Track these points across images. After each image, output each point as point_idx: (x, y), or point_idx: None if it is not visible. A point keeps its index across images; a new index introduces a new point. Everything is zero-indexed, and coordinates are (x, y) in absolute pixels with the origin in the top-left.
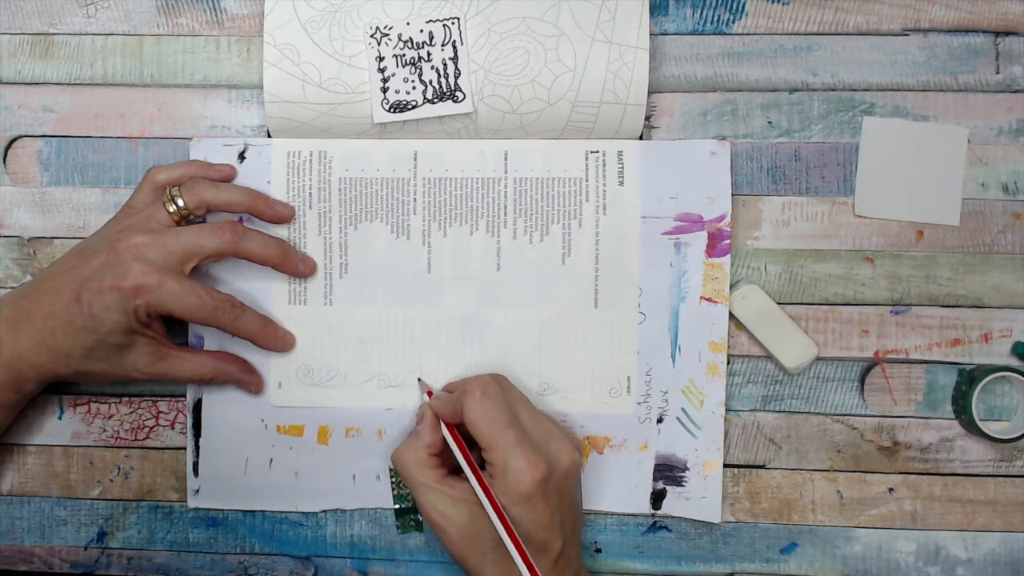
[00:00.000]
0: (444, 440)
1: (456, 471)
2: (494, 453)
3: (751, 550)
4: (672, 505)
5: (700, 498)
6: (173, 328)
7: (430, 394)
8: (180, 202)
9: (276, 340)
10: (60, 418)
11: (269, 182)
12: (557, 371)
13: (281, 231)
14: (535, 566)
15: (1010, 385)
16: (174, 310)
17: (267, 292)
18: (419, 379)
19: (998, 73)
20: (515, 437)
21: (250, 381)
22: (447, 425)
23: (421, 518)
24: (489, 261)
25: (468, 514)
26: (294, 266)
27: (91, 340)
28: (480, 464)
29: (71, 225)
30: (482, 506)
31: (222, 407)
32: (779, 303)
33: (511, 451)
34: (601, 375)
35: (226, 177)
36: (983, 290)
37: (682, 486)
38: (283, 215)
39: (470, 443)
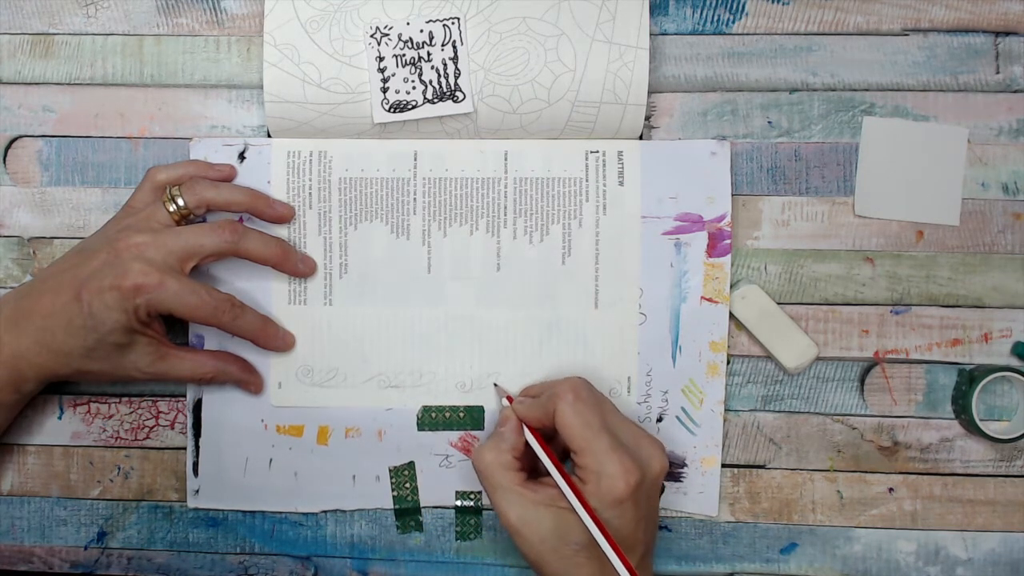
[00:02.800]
0: (525, 444)
1: (533, 475)
2: (587, 457)
3: (751, 550)
4: (670, 500)
5: (698, 493)
6: (173, 328)
7: (510, 399)
8: (180, 201)
9: (276, 340)
10: (60, 418)
11: (269, 182)
12: (557, 371)
13: (281, 231)
14: (635, 570)
15: (1010, 385)
16: (174, 309)
17: (267, 292)
18: (495, 384)
19: (998, 73)
20: (609, 441)
21: (250, 381)
22: (531, 429)
23: (421, 517)
24: (489, 261)
25: (552, 519)
26: (294, 266)
27: (91, 339)
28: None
29: (71, 225)
30: (566, 510)
31: (222, 407)
32: (779, 303)
33: (606, 456)
34: (601, 375)
35: (226, 177)
36: (983, 290)
37: (680, 482)
38: (283, 215)
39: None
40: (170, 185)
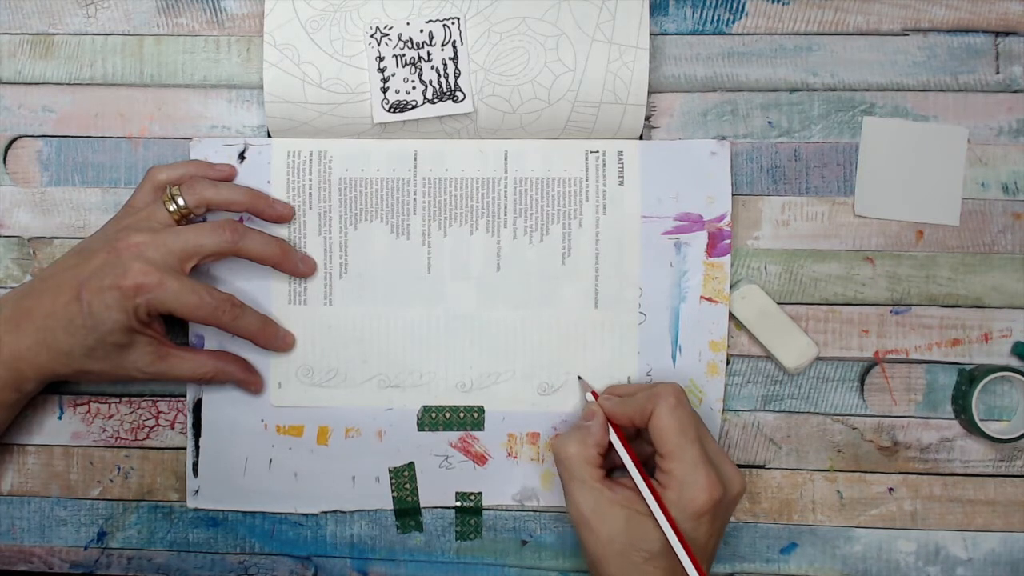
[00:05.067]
0: (609, 442)
1: (611, 474)
2: (675, 463)
3: (751, 550)
4: None
5: None
6: (173, 328)
7: (595, 395)
8: (180, 201)
9: (276, 340)
10: (60, 418)
11: (269, 182)
12: (557, 371)
13: (281, 231)
14: None
15: (1010, 385)
16: (174, 309)
17: (267, 292)
18: (579, 377)
19: (998, 73)
20: (700, 453)
21: (250, 381)
22: (615, 429)
23: (421, 517)
24: (489, 261)
25: (625, 521)
26: (294, 265)
27: (91, 339)
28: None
29: (71, 225)
30: (642, 515)
31: (222, 407)
32: (779, 303)
33: (696, 466)
34: (601, 375)
35: (226, 176)
36: (983, 290)
37: None
38: (283, 214)
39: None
40: (170, 185)
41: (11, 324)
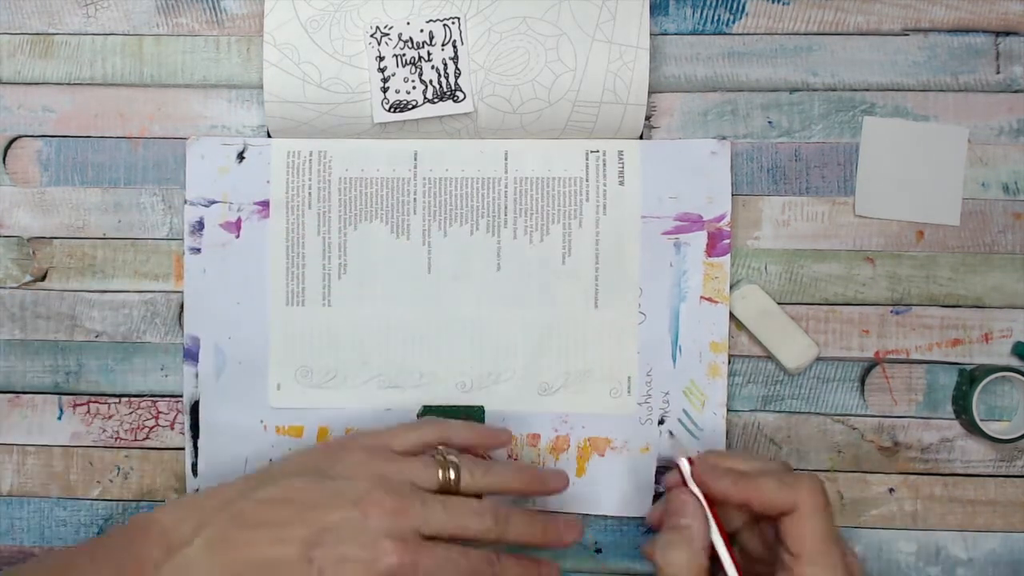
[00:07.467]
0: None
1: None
2: (816, 569)
3: None
4: None
5: None
6: (173, 328)
7: (691, 462)
8: (452, 474)
9: (561, 535)
10: (60, 418)
11: (269, 182)
12: (557, 371)
13: (280, 231)
14: None
15: (1010, 385)
16: None
17: (264, 292)
18: (671, 433)
19: (998, 73)
20: (840, 557)
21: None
22: (721, 531)
23: None
24: (489, 261)
25: None
26: (558, 537)
27: None
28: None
29: (71, 225)
30: None
31: (221, 408)
32: (779, 303)
33: (835, 572)
34: (601, 375)
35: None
36: (983, 290)
37: None
38: (556, 488)
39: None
40: (446, 447)
41: (208, 550)
